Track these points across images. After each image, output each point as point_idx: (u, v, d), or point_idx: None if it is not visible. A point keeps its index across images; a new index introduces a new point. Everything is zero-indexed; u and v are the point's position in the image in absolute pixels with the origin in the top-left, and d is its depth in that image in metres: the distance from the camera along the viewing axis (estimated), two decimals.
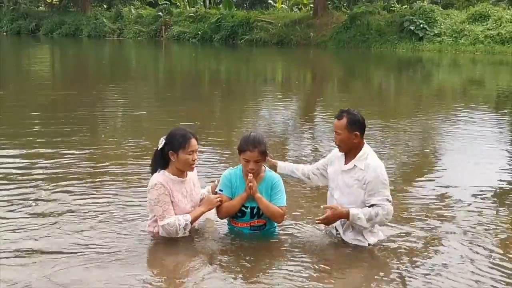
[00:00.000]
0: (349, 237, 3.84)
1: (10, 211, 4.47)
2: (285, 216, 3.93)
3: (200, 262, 3.61)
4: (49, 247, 3.75)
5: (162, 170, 3.81)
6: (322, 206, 3.85)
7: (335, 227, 3.91)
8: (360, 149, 3.76)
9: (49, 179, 5.34)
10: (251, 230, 3.90)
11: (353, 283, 3.45)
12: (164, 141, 3.79)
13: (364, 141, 3.82)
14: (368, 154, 3.75)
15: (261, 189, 3.81)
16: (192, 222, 3.83)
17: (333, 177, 3.91)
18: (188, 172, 3.89)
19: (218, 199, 3.85)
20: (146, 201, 3.96)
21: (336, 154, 3.97)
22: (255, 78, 17.72)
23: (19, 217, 4.32)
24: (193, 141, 3.76)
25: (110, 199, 4.80)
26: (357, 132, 3.72)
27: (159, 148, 3.80)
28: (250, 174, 3.75)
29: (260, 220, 3.88)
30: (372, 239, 3.84)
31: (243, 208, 3.84)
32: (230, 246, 3.83)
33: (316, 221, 3.82)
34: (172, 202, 3.78)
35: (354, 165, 3.75)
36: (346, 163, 3.82)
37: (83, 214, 4.43)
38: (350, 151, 3.78)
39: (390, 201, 3.72)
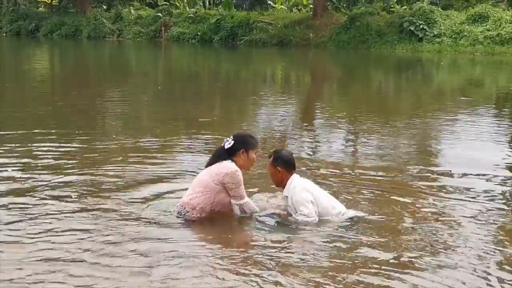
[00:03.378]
0: None
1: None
2: None
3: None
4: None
5: (233, 162, 4.20)
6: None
7: None
8: (286, 182, 4.33)
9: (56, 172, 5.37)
10: None
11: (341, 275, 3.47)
12: (232, 141, 4.22)
13: (294, 173, 4.36)
14: (291, 182, 4.31)
15: None
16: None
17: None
18: None
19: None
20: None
21: None
22: (254, 79, 17.72)
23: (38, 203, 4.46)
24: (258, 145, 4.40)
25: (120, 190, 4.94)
26: (279, 168, 4.31)
27: (226, 147, 4.22)
28: None
29: None
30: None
31: None
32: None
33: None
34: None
35: (285, 196, 4.33)
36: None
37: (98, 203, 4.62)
38: (280, 184, 4.38)
39: (305, 214, 4.19)
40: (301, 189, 4.24)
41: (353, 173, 5.83)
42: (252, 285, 3.32)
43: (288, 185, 4.31)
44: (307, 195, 4.23)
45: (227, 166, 4.16)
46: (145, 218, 4.29)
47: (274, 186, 4.56)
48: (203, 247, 3.88)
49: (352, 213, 4.38)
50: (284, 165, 4.33)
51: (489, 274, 3.53)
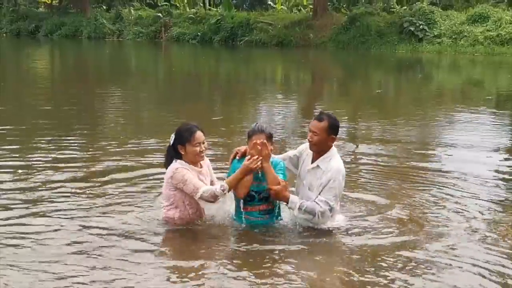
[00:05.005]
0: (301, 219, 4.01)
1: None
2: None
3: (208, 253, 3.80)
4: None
5: (179, 160, 4.06)
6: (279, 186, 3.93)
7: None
8: (327, 151, 3.94)
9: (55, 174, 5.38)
10: (260, 214, 4.08)
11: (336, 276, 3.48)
12: (173, 136, 4.05)
13: (333, 144, 4.02)
14: (331, 158, 3.94)
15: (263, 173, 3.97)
16: (230, 187, 3.94)
17: (302, 174, 4.10)
18: (203, 164, 4.17)
19: (256, 162, 3.87)
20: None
21: (306, 150, 4.12)
22: (254, 79, 17.73)
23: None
24: (198, 134, 4.02)
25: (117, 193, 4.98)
26: (334, 136, 3.93)
27: (170, 144, 4.07)
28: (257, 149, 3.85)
29: (269, 204, 4.07)
30: (329, 224, 4.02)
31: (253, 193, 4.02)
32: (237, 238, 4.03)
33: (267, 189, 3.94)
34: None
35: (317, 165, 3.95)
36: (312, 162, 4.02)
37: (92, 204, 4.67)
38: (320, 152, 3.95)
39: (330, 206, 3.87)
40: (343, 178, 3.93)
41: (355, 168, 5.84)
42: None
43: (328, 158, 3.95)
44: (342, 188, 3.97)
45: (169, 169, 4.07)
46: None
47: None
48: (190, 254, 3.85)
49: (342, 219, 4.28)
50: (337, 134, 4.01)
51: (492, 270, 3.54)
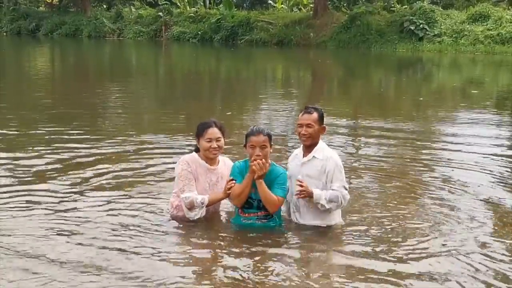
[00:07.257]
0: (307, 220, 4.09)
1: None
2: (281, 207, 4.07)
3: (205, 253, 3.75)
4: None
5: (194, 153, 4.11)
6: (296, 179, 4.02)
7: (295, 216, 4.17)
8: (317, 144, 4.12)
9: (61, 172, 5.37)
10: (258, 218, 4.04)
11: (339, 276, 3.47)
12: None
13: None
14: (324, 148, 4.13)
15: (264, 180, 3.91)
16: (208, 205, 3.99)
17: (293, 172, 4.17)
18: (220, 165, 4.13)
19: (230, 185, 3.92)
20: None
21: (293, 153, 4.30)
22: (255, 78, 17.73)
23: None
24: (211, 130, 4.02)
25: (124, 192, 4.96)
26: (324, 126, 4.12)
27: None
28: (254, 159, 3.83)
29: (267, 210, 4.01)
30: (331, 221, 4.12)
31: (250, 200, 3.99)
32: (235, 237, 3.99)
33: (295, 195, 4.01)
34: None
35: (313, 156, 4.09)
36: (304, 156, 4.14)
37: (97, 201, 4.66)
38: (313, 144, 4.10)
39: (346, 188, 4.06)
40: (339, 159, 4.09)
41: (357, 163, 5.84)
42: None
43: (321, 149, 4.08)
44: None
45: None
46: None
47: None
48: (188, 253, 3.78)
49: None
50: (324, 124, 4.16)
51: (491, 272, 3.52)
